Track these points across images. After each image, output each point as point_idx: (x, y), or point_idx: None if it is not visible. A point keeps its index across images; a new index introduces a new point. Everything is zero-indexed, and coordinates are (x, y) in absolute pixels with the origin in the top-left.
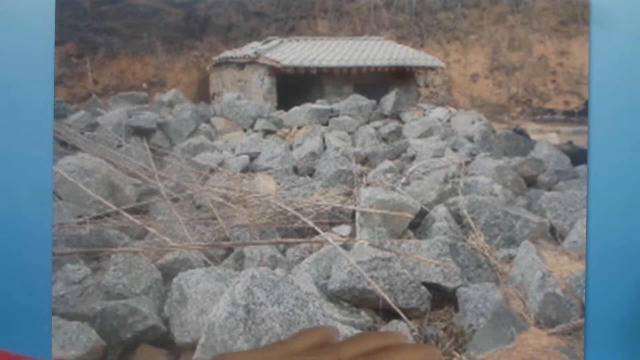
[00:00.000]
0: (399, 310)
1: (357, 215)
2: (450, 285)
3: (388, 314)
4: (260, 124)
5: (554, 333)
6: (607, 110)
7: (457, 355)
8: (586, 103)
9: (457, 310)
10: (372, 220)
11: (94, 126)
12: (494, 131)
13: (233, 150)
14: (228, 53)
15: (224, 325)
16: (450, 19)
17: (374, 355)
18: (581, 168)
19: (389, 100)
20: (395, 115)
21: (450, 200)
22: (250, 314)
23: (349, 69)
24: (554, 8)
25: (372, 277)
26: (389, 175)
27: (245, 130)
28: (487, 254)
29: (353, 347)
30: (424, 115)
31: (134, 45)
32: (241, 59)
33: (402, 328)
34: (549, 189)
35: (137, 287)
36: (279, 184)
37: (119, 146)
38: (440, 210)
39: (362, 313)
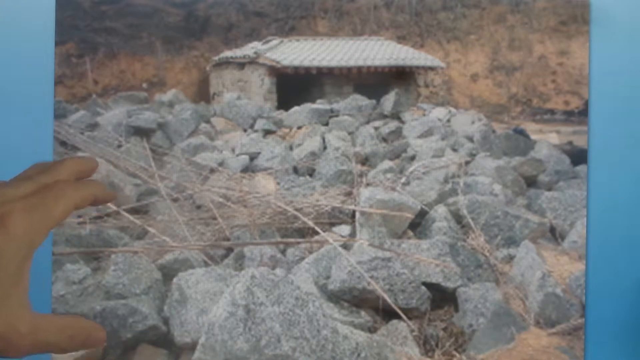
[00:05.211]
0: (399, 310)
1: (357, 215)
2: (450, 285)
3: (388, 313)
4: (260, 124)
5: (554, 333)
6: (607, 110)
7: (457, 355)
8: (586, 103)
9: (457, 310)
10: (372, 220)
11: (94, 126)
12: (494, 131)
13: (233, 150)
14: (228, 53)
15: (224, 325)
16: (450, 19)
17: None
18: (581, 168)
19: (389, 100)
20: (395, 115)
21: (450, 200)
22: (250, 314)
23: (349, 69)
24: (554, 8)
25: (372, 277)
26: (389, 175)
27: (245, 130)
28: (487, 254)
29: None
30: (424, 115)
31: (134, 45)
32: (241, 59)
33: (402, 328)
34: (549, 189)
35: (137, 287)
36: (279, 184)
37: (119, 146)
38: (440, 210)
39: (362, 313)
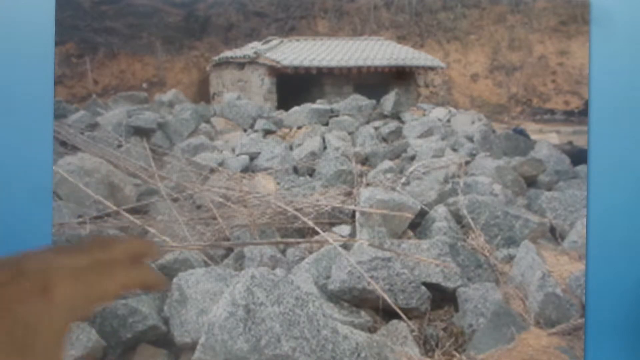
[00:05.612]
0: (399, 310)
1: (357, 215)
2: (450, 285)
3: (388, 313)
4: (260, 124)
5: (554, 333)
6: (607, 110)
7: (457, 355)
8: (586, 103)
9: (457, 310)
10: (372, 220)
11: (94, 126)
12: (494, 131)
13: (233, 150)
14: (228, 53)
15: (224, 325)
16: (450, 19)
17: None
18: (581, 168)
19: (389, 100)
20: (395, 115)
21: (450, 200)
22: (250, 314)
23: (349, 69)
24: (554, 8)
25: (372, 277)
26: (389, 175)
27: (245, 130)
28: (487, 254)
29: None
30: (424, 115)
31: (134, 45)
32: (241, 59)
33: (402, 328)
34: (549, 189)
35: None
36: (279, 184)
37: (119, 146)
38: (440, 210)
39: (362, 313)
